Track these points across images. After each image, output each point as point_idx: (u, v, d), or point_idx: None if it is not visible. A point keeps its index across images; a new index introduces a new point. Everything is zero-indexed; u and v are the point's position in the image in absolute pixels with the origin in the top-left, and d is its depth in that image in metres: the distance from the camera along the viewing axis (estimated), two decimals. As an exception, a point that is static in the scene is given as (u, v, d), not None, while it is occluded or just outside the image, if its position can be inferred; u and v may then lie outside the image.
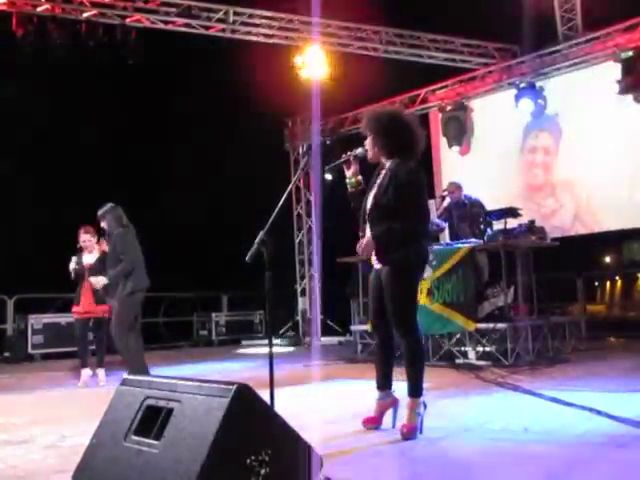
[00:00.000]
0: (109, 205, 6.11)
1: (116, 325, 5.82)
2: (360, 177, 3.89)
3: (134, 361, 5.77)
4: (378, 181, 3.75)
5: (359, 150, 3.83)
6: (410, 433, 3.47)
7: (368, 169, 3.91)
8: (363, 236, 3.75)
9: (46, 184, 11.48)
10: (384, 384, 3.79)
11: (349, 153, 3.84)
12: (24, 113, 10.61)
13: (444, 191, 8.27)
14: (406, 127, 3.71)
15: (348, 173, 3.88)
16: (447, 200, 8.04)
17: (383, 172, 3.76)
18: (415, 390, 3.61)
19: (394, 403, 3.75)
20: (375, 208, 3.66)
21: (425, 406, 3.63)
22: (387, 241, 3.60)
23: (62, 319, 10.28)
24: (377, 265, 3.75)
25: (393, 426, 3.68)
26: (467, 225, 7.82)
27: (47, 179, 11.49)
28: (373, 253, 3.71)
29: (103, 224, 6.14)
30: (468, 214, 7.88)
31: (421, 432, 3.53)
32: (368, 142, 3.80)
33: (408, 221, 3.56)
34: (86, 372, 6.72)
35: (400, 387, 3.75)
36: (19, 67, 9.74)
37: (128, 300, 5.82)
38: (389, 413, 3.74)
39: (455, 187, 8.13)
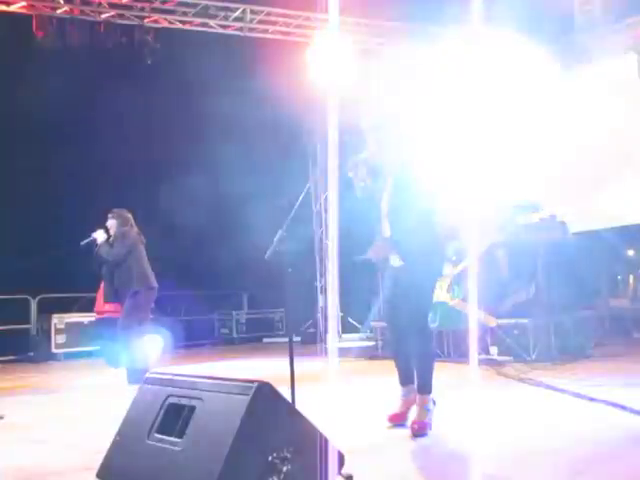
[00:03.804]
0: (118, 209, 6.26)
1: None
2: (369, 180, 3.83)
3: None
4: (390, 182, 3.74)
5: (362, 156, 3.79)
6: (421, 430, 3.48)
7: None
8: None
9: (69, 184, 11.57)
10: (406, 380, 3.79)
11: (353, 160, 3.77)
12: (42, 113, 10.70)
13: None
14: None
15: (356, 179, 3.82)
16: None
17: (391, 174, 3.76)
18: (425, 387, 3.63)
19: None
20: (394, 209, 3.67)
21: (435, 403, 3.64)
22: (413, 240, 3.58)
23: (85, 319, 10.40)
24: (395, 263, 3.73)
25: None
26: None
27: (69, 179, 11.58)
28: (392, 252, 3.69)
29: (108, 224, 6.26)
30: None
31: (430, 428, 3.52)
32: (374, 143, 3.76)
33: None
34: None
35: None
36: (38, 68, 9.83)
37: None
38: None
39: None
